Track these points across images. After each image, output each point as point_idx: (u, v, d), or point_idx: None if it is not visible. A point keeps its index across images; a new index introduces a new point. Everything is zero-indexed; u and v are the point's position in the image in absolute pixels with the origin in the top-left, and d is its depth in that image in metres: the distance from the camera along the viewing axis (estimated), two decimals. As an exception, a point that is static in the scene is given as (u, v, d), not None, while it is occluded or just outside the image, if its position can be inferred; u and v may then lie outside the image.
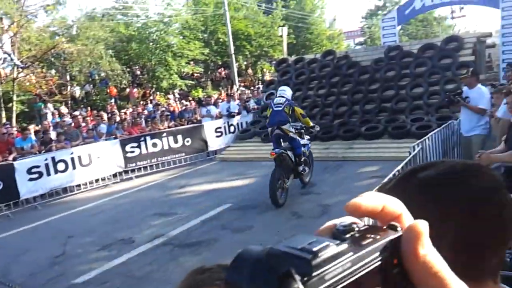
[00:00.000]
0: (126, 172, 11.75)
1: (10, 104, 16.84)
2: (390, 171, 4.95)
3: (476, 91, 6.86)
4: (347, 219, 0.43)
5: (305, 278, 0.32)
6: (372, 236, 0.39)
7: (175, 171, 12.13)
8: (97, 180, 11.15)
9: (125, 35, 22.89)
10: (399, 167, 4.90)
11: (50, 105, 17.51)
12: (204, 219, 7.61)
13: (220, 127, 13.66)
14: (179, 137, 12.72)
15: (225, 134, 13.71)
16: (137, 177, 11.75)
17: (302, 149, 8.21)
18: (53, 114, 15.77)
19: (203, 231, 7.01)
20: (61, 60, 19.85)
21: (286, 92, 8.54)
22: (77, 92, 21.43)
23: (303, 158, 8.26)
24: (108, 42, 21.33)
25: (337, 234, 0.39)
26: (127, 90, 22.20)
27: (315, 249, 0.34)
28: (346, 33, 43.96)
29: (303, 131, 8.41)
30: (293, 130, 8.10)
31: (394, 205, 0.44)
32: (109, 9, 24.45)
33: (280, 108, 8.01)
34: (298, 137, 8.16)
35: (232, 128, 13.90)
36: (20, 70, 17.26)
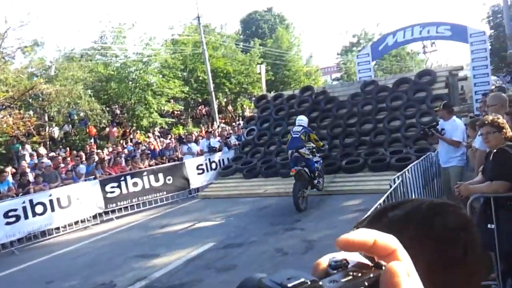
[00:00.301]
0: (106, 213, 11.52)
1: (-14, 147, 16.53)
2: (373, 204, 4.98)
3: (451, 123, 7.06)
4: (340, 255, 0.45)
5: None
6: (354, 274, 0.42)
7: (156, 210, 11.96)
8: (76, 222, 10.89)
9: (104, 75, 22.97)
10: (381, 200, 4.95)
11: (28, 147, 17.20)
12: (187, 259, 7.45)
13: (201, 164, 13.63)
14: (160, 175, 12.62)
15: (207, 171, 13.66)
16: (117, 217, 11.53)
17: (316, 165, 9.89)
18: (31, 155, 15.50)
19: (187, 272, 6.85)
20: (39, 101, 19.69)
21: (303, 121, 10.18)
22: (56, 132, 21.16)
23: (317, 173, 9.94)
24: (87, 82, 21.31)
25: (328, 269, 0.43)
26: (107, 129, 22.06)
27: (289, 285, 0.38)
28: (323, 69, 45.03)
29: (314, 150, 9.92)
30: (308, 152, 9.63)
31: (386, 241, 0.46)
32: (87, 50, 24.60)
33: (297, 136, 9.70)
34: (312, 156, 9.71)
35: (213, 165, 13.88)
36: (-3, 111, 17.05)
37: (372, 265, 0.44)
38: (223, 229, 9.05)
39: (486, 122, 4.12)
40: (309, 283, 0.39)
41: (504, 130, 4.01)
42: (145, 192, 12.23)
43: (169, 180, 12.69)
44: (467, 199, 4.51)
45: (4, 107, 17.43)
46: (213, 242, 8.18)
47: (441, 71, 13.82)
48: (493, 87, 13.28)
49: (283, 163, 12.65)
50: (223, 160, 14.18)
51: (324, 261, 0.46)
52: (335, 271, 0.43)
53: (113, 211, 11.66)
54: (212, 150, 14.20)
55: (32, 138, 18.57)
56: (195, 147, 14.75)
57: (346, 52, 46.22)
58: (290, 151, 9.71)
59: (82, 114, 21.38)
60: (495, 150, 4.07)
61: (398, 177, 6.03)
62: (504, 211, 3.88)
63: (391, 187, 5.73)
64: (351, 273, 0.42)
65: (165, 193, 12.55)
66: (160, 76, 24.61)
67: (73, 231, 10.73)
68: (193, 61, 26.94)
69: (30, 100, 19.41)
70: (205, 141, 14.96)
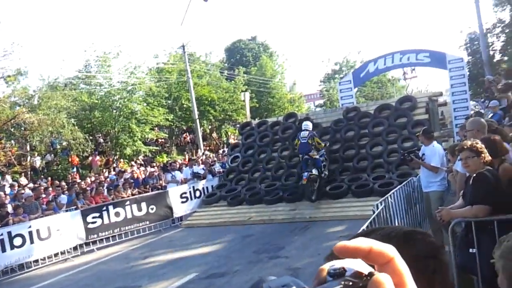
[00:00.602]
0: (87, 244, 11.25)
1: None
2: (357, 230, 4.96)
3: (430, 148, 7.16)
4: (340, 263, 0.47)
5: None
6: (346, 283, 0.45)
7: (139, 240, 11.72)
8: (56, 254, 10.59)
9: (88, 104, 22.89)
10: (364, 226, 4.93)
11: (8, 177, 16.87)
12: (170, 290, 7.29)
13: (185, 193, 13.49)
14: (143, 204, 12.43)
15: (191, 199, 13.52)
16: (99, 249, 11.26)
17: (321, 160, 11.67)
18: (11, 186, 15.17)
19: (169, 303, 6.69)
20: (21, 131, 19.46)
21: (308, 126, 11.93)
22: (38, 162, 20.83)
23: (323, 167, 11.68)
24: (71, 111, 21.20)
25: (326, 277, 0.47)
26: (90, 158, 21.81)
27: None
28: (306, 96, 45.56)
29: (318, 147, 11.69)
30: (316, 153, 11.45)
31: (383, 249, 0.48)
32: (72, 79, 24.56)
33: (305, 141, 11.46)
34: (318, 156, 11.52)
35: (197, 193, 13.75)
36: (-23, 141, 16.77)
37: (366, 274, 0.46)
38: (207, 259, 8.91)
39: (465, 147, 4.17)
40: None
41: (482, 155, 4.06)
42: (128, 222, 12.01)
43: (152, 209, 12.50)
44: (449, 223, 4.52)
45: (-16, 137, 17.16)
46: (196, 272, 8.04)
47: (421, 97, 14.08)
48: (472, 112, 13.55)
49: (268, 190, 12.63)
50: (207, 187, 14.07)
51: (325, 269, 0.48)
52: (331, 279, 0.46)
53: (94, 242, 11.39)
54: (196, 176, 14.10)
55: (13, 168, 18.25)
56: (179, 175, 14.64)
57: (329, 79, 46.94)
58: (301, 155, 11.66)
59: (64, 143, 21.13)
60: (474, 175, 4.11)
61: (381, 202, 6.05)
62: (485, 235, 3.89)
63: (374, 212, 5.73)
64: (343, 282, 0.45)
65: (148, 222, 12.34)
66: (145, 104, 24.59)
67: (52, 264, 10.42)
68: (177, 89, 27.06)
69: (12, 130, 19.16)
70: (188, 169, 14.88)
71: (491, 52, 24.53)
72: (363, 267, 0.47)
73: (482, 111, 11.08)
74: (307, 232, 9.88)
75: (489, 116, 8.43)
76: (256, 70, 35.84)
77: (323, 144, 11.90)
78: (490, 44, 25.25)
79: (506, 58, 25.57)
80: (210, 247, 9.92)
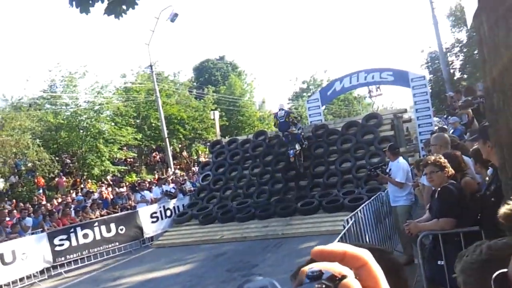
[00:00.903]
0: (54, 267, 10.88)
1: None
2: (328, 245, 5.04)
3: (395, 164, 7.40)
4: (319, 266, 0.50)
5: None
6: (319, 285, 0.48)
7: (108, 262, 11.43)
8: (21, 279, 10.19)
9: (54, 124, 22.37)
10: (335, 242, 5.02)
11: (-31, 201, 16.25)
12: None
13: (155, 212, 13.31)
14: (112, 225, 12.18)
15: (161, 218, 13.34)
16: (66, 272, 10.91)
17: (299, 132, 13.01)
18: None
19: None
20: (-17, 153, 18.79)
21: (283, 105, 13.51)
22: (1, 184, 20.11)
23: (302, 139, 13.06)
24: (36, 131, 20.70)
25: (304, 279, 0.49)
26: (56, 179, 21.24)
27: None
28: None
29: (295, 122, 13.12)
30: (295, 129, 12.70)
31: (357, 253, 0.52)
32: (36, 99, 24.00)
33: (283, 120, 12.70)
34: (296, 131, 12.77)
35: (168, 212, 13.59)
36: None
37: (339, 278, 0.49)
38: (179, 279, 8.80)
39: (429, 162, 4.34)
40: None
41: (446, 169, 4.23)
42: (96, 243, 11.73)
43: (121, 230, 12.26)
44: (417, 236, 4.66)
45: None
46: (168, 293, 7.91)
47: (386, 114, 14.51)
48: (436, 128, 14.01)
49: (239, 208, 12.63)
50: (178, 207, 13.94)
51: (305, 270, 0.51)
52: (308, 281, 0.49)
53: (62, 265, 11.03)
54: (167, 195, 13.96)
55: (-26, 192, 17.59)
56: (148, 195, 14.46)
57: (297, 98, 47.64)
58: (281, 133, 13.04)
59: (30, 164, 20.52)
60: (439, 189, 4.28)
61: (351, 217, 6.17)
62: (453, 247, 4.02)
63: (344, 227, 5.84)
64: (317, 285, 0.48)
65: (117, 243, 12.08)
66: (112, 123, 24.26)
67: (17, 289, 10.05)
68: (146, 108, 26.85)
69: (-27, 152, 18.49)
70: (158, 188, 14.73)
71: (451, 70, 25.61)
72: (340, 271, 0.50)
73: (446, 126, 11.50)
74: (280, 249, 9.92)
75: (451, 132, 8.77)
76: (225, 89, 36.01)
77: (298, 118, 13.80)
78: (450, 62, 26.37)
79: (465, 76, 26.72)
80: (182, 267, 9.80)
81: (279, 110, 13.15)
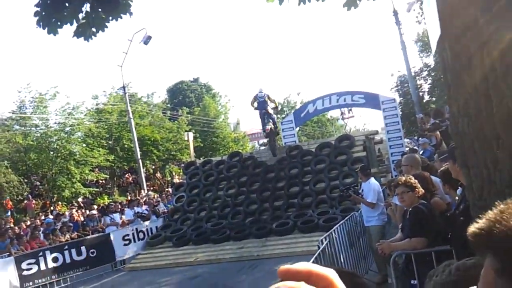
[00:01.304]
0: (21, 293, 10.49)
1: None
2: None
3: (367, 184, 7.54)
4: (286, 284, 0.52)
5: None
6: None
7: (79, 286, 11.09)
8: (-15, 307, 9.80)
9: (23, 145, 21.82)
10: (309, 262, 5.04)
11: None
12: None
13: (128, 235, 13.04)
14: (83, 248, 11.86)
15: (134, 241, 13.07)
16: (34, 298, 10.54)
17: (274, 116, 14.67)
18: None
19: None
20: None
21: (263, 90, 14.32)
22: (-34, 207, 19.40)
23: (276, 122, 14.82)
24: (4, 153, 20.12)
25: None
26: (25, 201, 20.61)
27: None
28: (250, 135, 46.11)
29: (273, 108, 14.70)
30: (270, 110, 14.30)
31: (323, 272, 0.53)
32: (5, 120, 23.43)
33: (262, 99, 14.13)
34: (272, 113, 14.49)
35: (141, 235, 13.33)
36: None
37: None
38: (152, 303, 8.60)
39: (400, 182, 4.45)
40: None
41: (416, 189, 4.35)
42: (67, 267, 11.38)
43: (92, 253, 11.95)
44: (391, 256, 4.74)
45: None
46: (142, 318, 7.72)
47: (358, 136, 14.80)
48: (406, 149, 14.34)
49: (214, 229, 12.53)
50: (151, 229, 13.70)
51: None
52: None
53: (29, 291, 10.64)
54: (140, 216, 13.73)
55: None
56: (118, 218, 14.21)
57: (271, 119, 47.89)
58: (259, 111, 14.19)
59: (-4, 186, 19.87)
60: (410, 209, 4.38)
61: (325, 238, 6.22)
62: (425, 266, 4.09)
63: (319, 248, 5.88)
64: None
65: (88, 267, 11.75)
66: (84, 145, 23.85)
67: (-19, 317, 9.62)
68: (118, 129, 26.56)
69: None
70: (130, 211, 14.50)
71: (420, 93, 26.39)
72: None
73: (416, 148, 11.81)
74: (255, 270, 9.85)
75: (420, 153, 9.02)
76: (199, 110, 36.01)
77: (276, 102, 15.46)
78: (419, 86, 27.21)
79: (434, 98, 27.58)
80: (156, 290, 9.60)
81: (259, 92, 14.35)
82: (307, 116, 19.70)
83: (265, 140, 47.74)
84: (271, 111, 14.32)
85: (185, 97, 42.27)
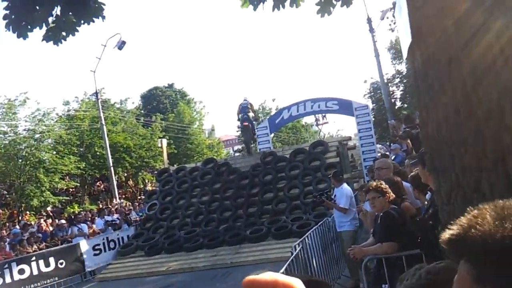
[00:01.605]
0: (-15, 307, 10.08)
1: None
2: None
3: (339, 190, 7.58)
4: None
5: None
6: None
7: (47, 299, 10.75)
8: None
9: (-10, 153, 21.11)
10: (282, 269, 5.01)
11: None
12: None
13: (98, 244, 12.73)
14: (51, 259, 11.50)
15: (105, 251, 12.77)
16: (-1, 312, 10.14)
17: (254, 122, 16.04)
18: None
19: None
20: None
21: (247, 99, 15.87)
22: None
23: (255, 130, 16.25)
24: (-32, 161, 19.41)
25: None
26: (-9, 211, 19.92)
27: None
28: (225, 142, 46.05)
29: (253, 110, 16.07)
30: (250, 116, 15.49)
31: (289, 282, 0.51)
32: (-30, 127, 22.62)
33: (246, 105, 15.39)
34: (252, 119, 15.81)
35: (112, 244, 13.03)
36: None
37: None
38: (123, 314, 8.38)
39: (371, 188, 4.47)
40: None
41: (387, 195, 4.37)
42: (34, 279, 10.99)
43: (61, 264, 11.60)
44: (362, 260, 4.74)
45: None
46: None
47: (332, 142, 14.92)
48: (379, 154, 14.52)
49: (187, 237, 12.36)
50: (122, 238, 13.41)
51: None
52: None
53: (-6, 305, 10.24)
54: (111, 225, 13.43)
55: None
56: (86, 228, 13.87)
57: (245, 125, 47.91)
58: (241, 114, 15.24)
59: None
60: (381, 214, 4.40)
61: (298, 244, 6.20)
62: (396, 270, 4.12)
63: (292, 254, 5.85)
64: None
65: (57, 278, 11.38)
66: (54, 152, 23.25)
67: None
68: (90, 136, 26.04)
69: None
70: (100, 220, 14.18)
71: (393, 100, 26.88)
72: None
73: (388, 153, 11.95)
74: (228, 278, 9.73)
75: (392, 158, 9.12)
76: (173, 116, 35.70)
77: (256, 114, 17.69)
78: (391, 92, 27.73)
79: (406, 105, 28.12)
80: (127, 301, 9.37)
81: (244, 100, 15.72)
82: (281, 122, 19.76)
83: (239, 147, 47.97)
84: (252, 117, 15.65)
85: (159, 103, 41.87)
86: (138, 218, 14.79)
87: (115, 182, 23.54)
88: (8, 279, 10.57)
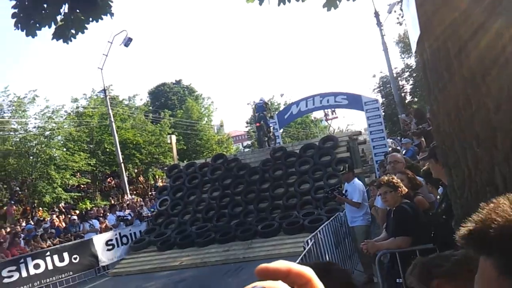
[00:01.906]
0: (2, 301, 10.28)
1: None
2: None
3: (351, 185, 7.56)
4: (264, 284, 0.51)
5: None
6: None
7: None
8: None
9: (1, 151, 21.37)
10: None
11: None
12: None
13: (111, 240, 12.90)
14: (65, 254, 11.69)
15: (117, 246, 12.94)
16: (16, 306, 10.33)
17: (269, 123, 16.58)
18: None
19: None
20: None
21: (264, 98, 16.96)
22: None
23: (271, 128, 16.67)
24: (-18, 158, 19.67)
25: None
26: (5, 208, 20.17)
27: None
28: (234, 137, 46.07)
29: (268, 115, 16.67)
30: (266, 115, 16.32)
31: (301, 270, 0.53)
32: (-18, 125, 22.90)
33: (261, 104, 16.38)
34: (269, 118, 16.70)
35: (124, 239, 13.19)
36: None
37: None
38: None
39: (382, 182, 4.47)
40: None
41: (399, 189, 4.37)
42: (49, 274, 11.18)
43: (75, 258, 11.78)
44: (376, 255, 4.77)
45: None
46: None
47: (342, 137, 14.90)
48: (389, 149, 14.49)
49: (199, 232, 12.45)
50: (134, 233, 13.57)
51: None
52: None
53: (10, 299, 10.43)
54: (123, 220, 13.58)
55: None
56: (97, 224, 14.05)
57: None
58: (257, 113, 16.09)
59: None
60: (394, 208, 4.41)
61: (310, 238, 6.23)
62: (409, 264, 4.12)
63: (304, 249, 5.89)
64: None
65: (71, 273, 11.57)
66: (64, 149, 23.47)
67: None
68: (99, 133, 26.22)
69: None
70: (112, 216, 14.34)
71: (402, 94, 26.71)
72: (284, 287, 0.51)
73: (399, 148, 11.92)
74: (241, 273, 9.81)
75: (403, 153, 9.11)
76: (182, 113, 35.77)
77: (271, 112, 18.01)
78: (401, 86, 27.54)
79: (416, 99, 27.94)
80: (141, 295, 9.49)
81: (260, 99, 16.75)
82: (290, 118, 19.78)
83: (249, 142, 48.01)
84: (268, 116, 16.49)
85: (168, 99, 42.00)
86: (149, 214, 14.92)
87: (125, 178, 23.75)
88: (24, 274, 10.77)
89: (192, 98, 40.83)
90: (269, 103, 49.36)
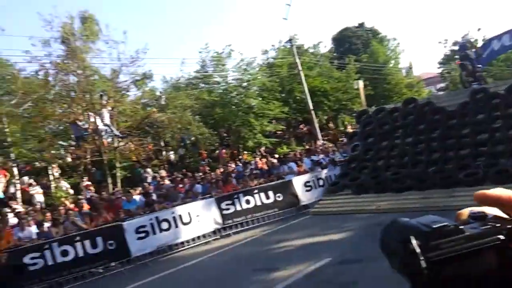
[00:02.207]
0: (224, 228, 12.23)
1: (114, 171, 18.40)
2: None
3: None
4: (479, 209, 0.53)
5: (423, 245, 0.44)
6: (492, 224, 0.49)
7: (269, 226, 12.39)
8: (198, 237, 11.73)
9: (209, 101, 24.37)
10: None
11: (149, 170, 18.85)
12: (306, 274, 7.54)
13: (309, 182, 13.91)
14: (270, 193, 13.11)
15: (315, 188, 13.89)
16: (234, 233, 12.18)
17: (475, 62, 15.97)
18: (154, 177, 16.98)
19: (307, 286, 7.00)
20: (154, 128, 21.43)
21: (467, 36, 16.89)
22: (172, 156, 22.94)
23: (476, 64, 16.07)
24: (194, 108, 22.77)
25: (468, 220, 0.52)
26: (217, 151, 23.34)
27: (434, 226, 0.47)
28: (425, 80, 43.09)
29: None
30: (467, 54, 15.68)
31: None
32: (191, 79, 26.32)
33: (463, 44, 15.89)
34: (474, 58, 15.82)
35: (321, 182, 14.06)
36: (120, 139, 18.88)
37: (509, 218, 0.51)
38: (337, 245, 9.07)
39: None
40: (452, 226, 0.47)
41: None
42: (257, 209, 12.79)
43: (279, 197, 13.13)
44: None
45: (125, 135, 19.24)
46: (330, 257, 8.17)
47: None
48: None
49: (394, 178, 12.36)
50: (330, 176, 14.31)
51: (465, 213, 0.53)
52: (474, 221, 0.51)
53: (230, 227, 12.33)
54: (318, 164, 14.42)
55: (152, 162, 20.30)
56: (295, 167, 15.13)
57: (448, 61, 43.82)
58: (460, 52, 16.00)
59: (193, 138, 22.87)
60: None
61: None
62: None
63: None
64: (490, 223, 0.49)
65: (276, 209, 13.01)
66: (260, 98, 25.46)
67: (196, 245, 11.56)
68: (289, 82, 27.52)
69: (147, 128, 21.17)
70: (307, 159, 15.27)
71: None
72: (500, 214, 0.51)
73: None
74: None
75: None
76: (367, 57, 34.88)
77: (476, 47, 17.44)
78: None
79: None
80: (340, 234, 10.11)
81: (462, 39, 17.49)
82: (491, 55, 17.70)
83: (443, 85, 44.32)
84: (470, 54, 15.63)
85: (351, 44, 41.30)
86: (342, 159, 15.44)
87: (317, 125, 24.76)
88: (238, 207, 12.62)
89: (377, 41, 39.32)
90: (464, 40, 44.44)
